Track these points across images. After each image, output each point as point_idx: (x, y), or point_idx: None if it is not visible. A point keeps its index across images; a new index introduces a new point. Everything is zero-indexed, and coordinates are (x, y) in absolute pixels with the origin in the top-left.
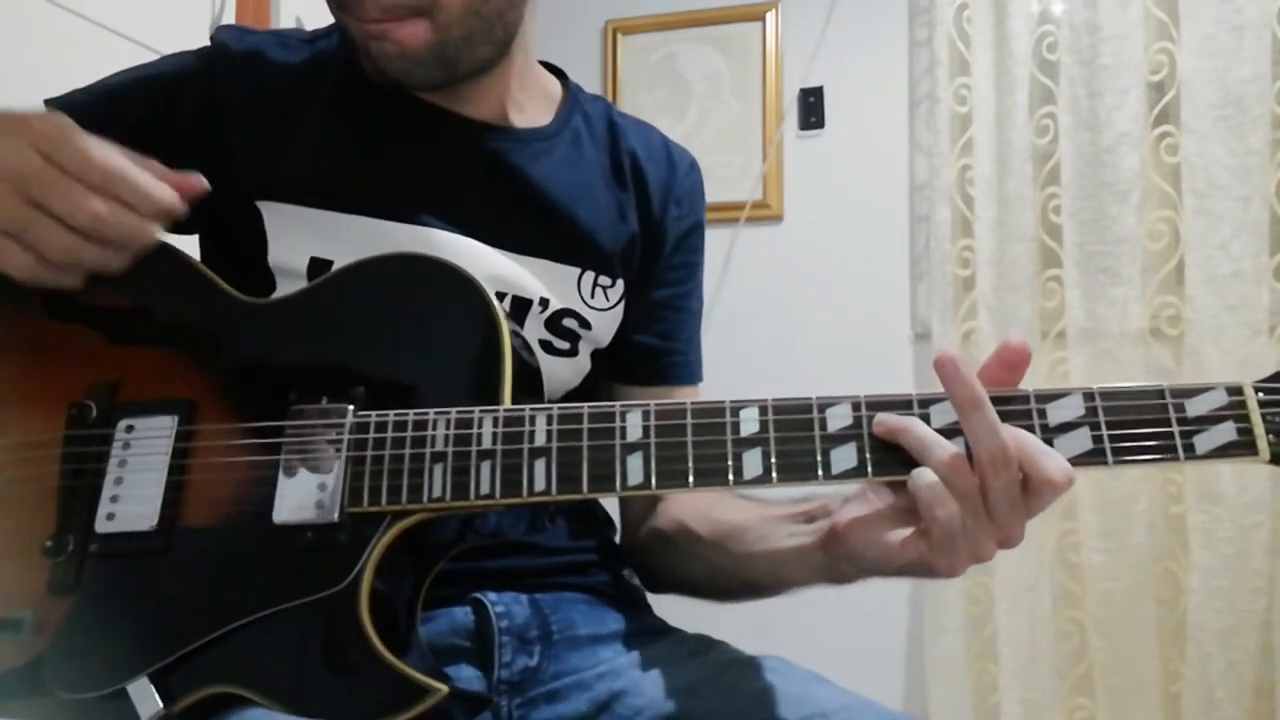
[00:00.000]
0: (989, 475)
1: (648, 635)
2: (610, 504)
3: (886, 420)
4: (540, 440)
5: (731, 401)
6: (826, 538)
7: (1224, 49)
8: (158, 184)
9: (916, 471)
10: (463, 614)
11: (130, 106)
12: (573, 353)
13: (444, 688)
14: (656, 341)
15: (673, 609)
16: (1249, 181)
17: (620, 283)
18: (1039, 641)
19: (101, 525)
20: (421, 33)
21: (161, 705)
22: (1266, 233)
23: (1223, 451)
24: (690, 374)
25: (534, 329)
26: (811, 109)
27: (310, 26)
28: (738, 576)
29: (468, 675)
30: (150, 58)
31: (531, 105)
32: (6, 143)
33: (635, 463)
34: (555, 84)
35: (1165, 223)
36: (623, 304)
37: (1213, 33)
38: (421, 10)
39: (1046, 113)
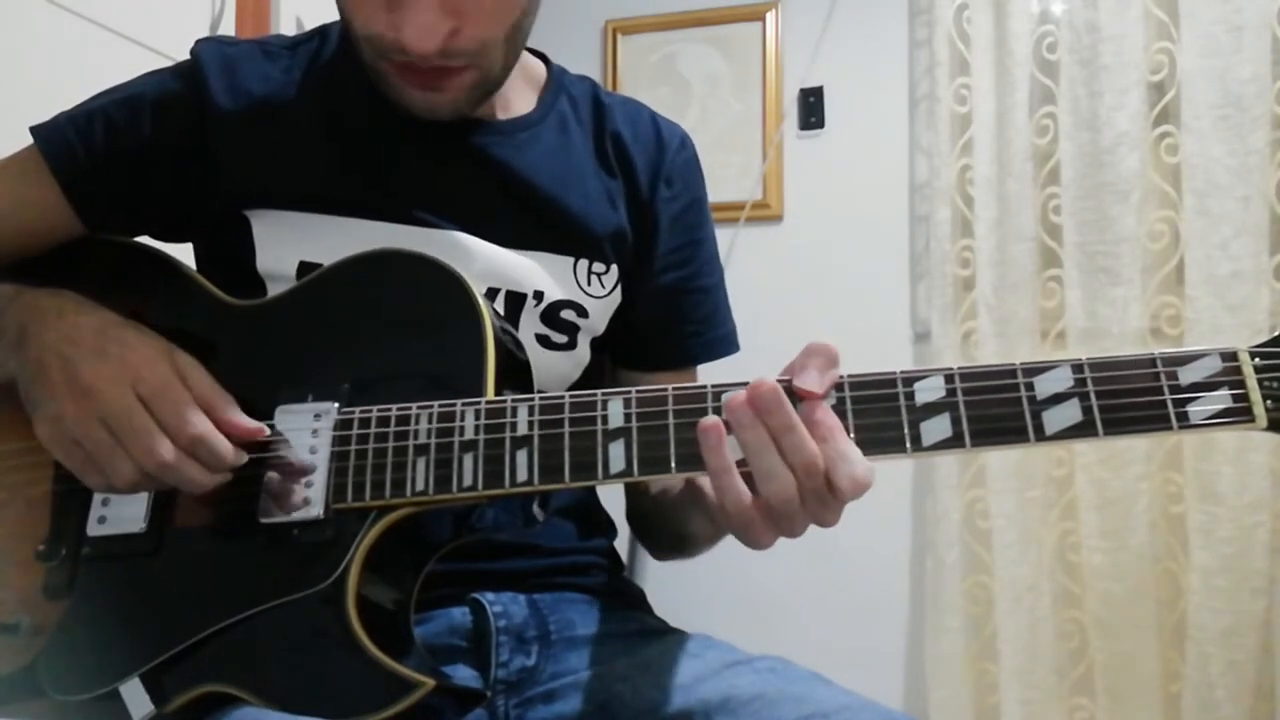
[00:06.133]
0: (799, 480)
1: (647, 636)
2: (611, 503)
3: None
4: (522, 430)
5: (713, 385)
6: (689, 484)
7: (1224, 49)
8: (232, 449)
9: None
10: (460, 614)
11: (117, 133)
12: (571, 345)
13: (430, 681)
14: (671, 326)
15: (673, 609)
16: (1249, 181)
17: (614, 268)
18: (1039, 641)
19: (93, 528)
20: (470, 79)
21: (153, 706)
22: (1266, 233)
23: (1218, 419)
24: (710, 352)
25: (529, 324)
26: (811, 109)
27: (310, 26)
28: (681, 530)
29: (464, 675)
30: (152, 58)
31: (514, 94)
32: (106, 368)
33: (617, 450)
34: (538, 67)
35: (1165, 223)
36: (619, 290)
37: (1213, 33)
38: (474, 60)
39: (1046, 113)
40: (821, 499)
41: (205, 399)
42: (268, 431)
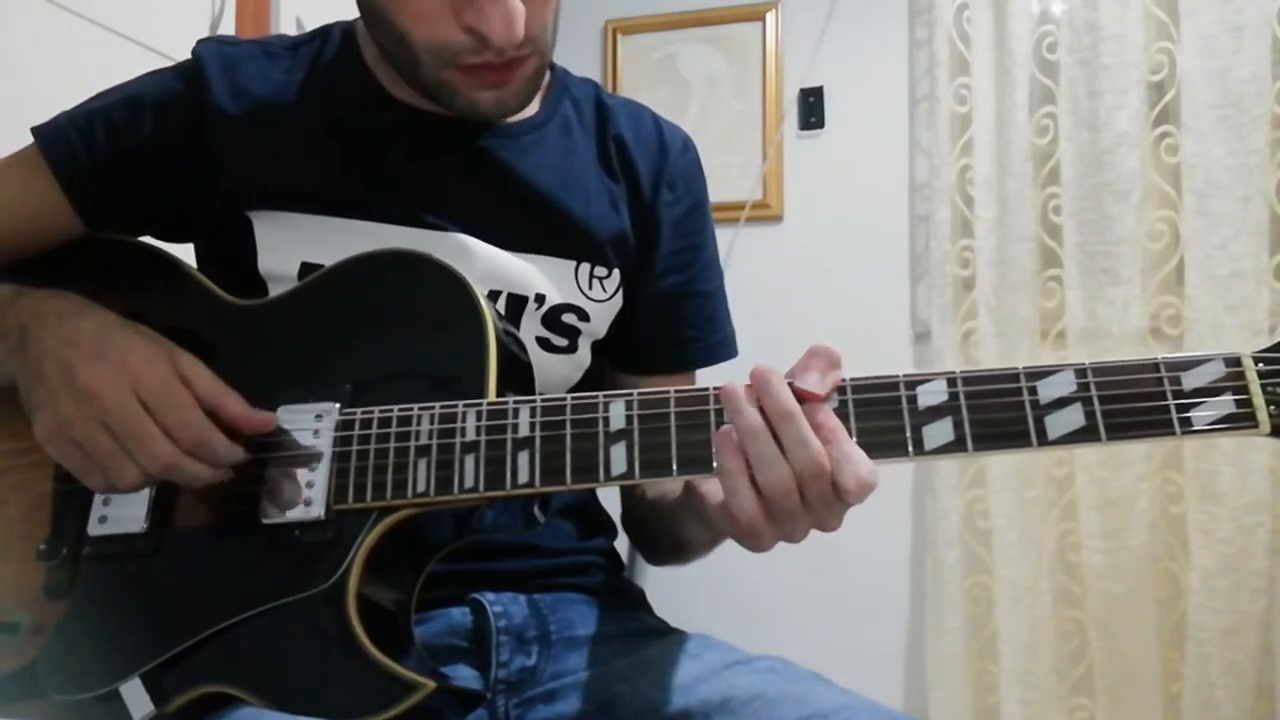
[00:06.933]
0: (804, 482)
1: (647, 636)
2: (611, 503)
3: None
4: (524, 431)
5: (714, 388)
6: (687, 489)
7: (1224, 49)
8: (232, 448)
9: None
10: (461, 614)
11: (117, 133)
12: (572, 348)
13: (430, 683)
14: (671, 331)
15: (673, 609)
16: (1249, 181)
17: (616, 272)
18: (1039, 641)
19: (94, 528)
20: (532, 67)
21: (153, 706)
22: (1266, 233)
23: (1221, 424)
24: (709, 357)
25: (530, 327)
26: (811, 109)
27: (310, 26)
28: (678, 536)
29: (465, 675)
30: (152, 58)
31: None
32: (105, 370)
33: (619, 452)
34: None
35: (1165, 223)
36: (620, 294)
37: (1213, 33)
38: (536, 45)
39: (1046, 113)
40: (826, 501)
41: (209, 397)
42: (274, 421)
